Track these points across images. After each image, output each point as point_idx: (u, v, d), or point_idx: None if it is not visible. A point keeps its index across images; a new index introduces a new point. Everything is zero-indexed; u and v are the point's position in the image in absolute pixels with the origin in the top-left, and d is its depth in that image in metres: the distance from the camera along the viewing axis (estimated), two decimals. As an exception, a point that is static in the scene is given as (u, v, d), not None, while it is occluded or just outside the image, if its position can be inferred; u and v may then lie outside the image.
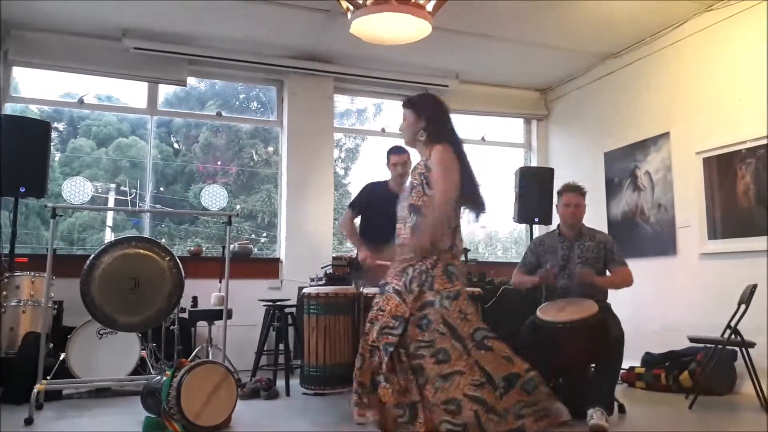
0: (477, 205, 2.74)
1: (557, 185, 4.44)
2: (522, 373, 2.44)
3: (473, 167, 2.71)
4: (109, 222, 6.49)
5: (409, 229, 2.63)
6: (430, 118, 2.71)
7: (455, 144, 2.66)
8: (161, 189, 6.59)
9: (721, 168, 4.98)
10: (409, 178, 2.77)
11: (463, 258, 5.13)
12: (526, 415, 2.40)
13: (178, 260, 4.01)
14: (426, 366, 2.45)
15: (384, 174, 4.33)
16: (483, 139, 7.15)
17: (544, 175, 6.01)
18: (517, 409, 2.39)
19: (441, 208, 2.56)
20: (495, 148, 7.33)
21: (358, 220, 4.30)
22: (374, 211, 4.17)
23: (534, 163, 7.24)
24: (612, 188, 6.16)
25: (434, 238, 2.55)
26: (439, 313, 2.48)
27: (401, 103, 2.87)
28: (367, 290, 3.65)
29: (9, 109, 5.53)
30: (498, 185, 6.86)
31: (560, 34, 5.64)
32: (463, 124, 6.93)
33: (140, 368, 4.44)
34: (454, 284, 2.53)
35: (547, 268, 3.83)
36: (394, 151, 4.27)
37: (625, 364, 4.06)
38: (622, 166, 6.06)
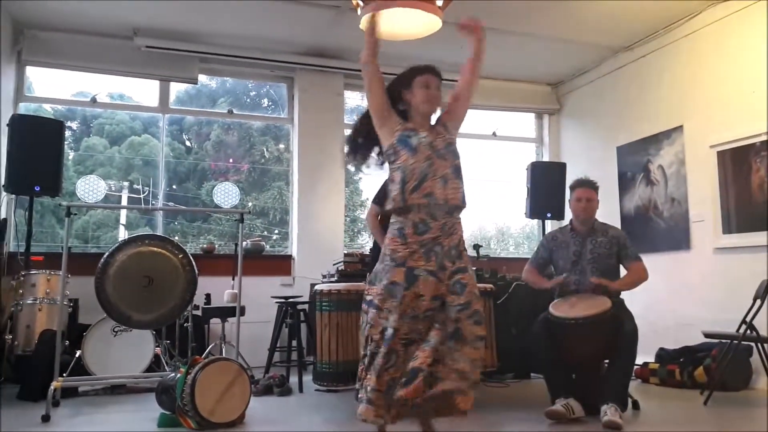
0: None
1: (569, 180, 4.42)
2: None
3: None
4: (123, 220, 6.53)
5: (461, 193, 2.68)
6: None
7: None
8: (174, 187, 6.63)
9: (736, 161, 4.93)
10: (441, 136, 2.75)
11: (475, 254, 5.15)
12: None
13: (191, 258, 4.03)
14: (464, 329, 2.49)
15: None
16: (494, 134, 7.11)
17: (556, 169, 5.98)
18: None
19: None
20: (506, 142, 7.29)
21: None
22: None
23: (546, 158, 7.20)
24: (625, 183, 6.12)
25: None
26: (472, 277, 2.60)
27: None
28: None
29: (23, 108, 5.58)
30: (510, 180, 6.84)
31: (572, 28, 5.60)
32: (474, 118, 6.91)
33: (155, 365, 4.48)
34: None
35: (565, 276, 3.80)
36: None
37: (639, 360, 4.04)
38: (634, 160, 6.02)
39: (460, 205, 2.65)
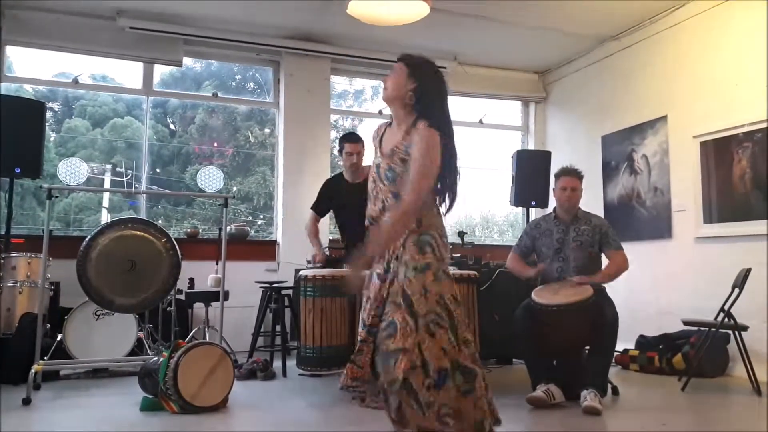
0: (453, 197, 2.39)
1: (554, 168, 4.44)
2: (450, 373, 2.17)
3: (456, 157, 2.40)
4: (106, 203, 6.47)
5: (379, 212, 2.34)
6: (424, 85, 2.32)
7: (445, 130, 2.31)
8: (157, 170, 6.56)
9: (718, 152, 4.98)
10: (381, 162, 2.37)
11: (459, 241, 5.17)
12: (448, 422, 2.14)
13: (174, 242, 4.00)
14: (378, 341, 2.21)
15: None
16: (480, 121, 7.12)
17: (541, 158, 6.00)
18: (443, 410, 2.13)
19: (423, 188, 2.24)
20: (492, 130, 7.30)
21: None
22: (340, 205, 4.26)
23: (531, 146, 7.22)
24: (609, 171, 6.16)
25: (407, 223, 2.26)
26: (401, 284, 2.20)
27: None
28: (365, 272, 3.65)
29: (3, 88, 5.47)
30: (495, 168, 6.86)
31: (559, 17, 5.60)
32: (460, 106, 6.91)
33: (137, 349, 4.46)
34: (424, 256, 2.23)
35: (546, 263, 3.84)
36: (350, 138, 4.27)
37: (619, 347, 4.10)
38: (619, 150, 6.06)
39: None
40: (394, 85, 2.35)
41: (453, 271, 4.08)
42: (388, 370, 2.14)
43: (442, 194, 2.36)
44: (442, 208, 2.40)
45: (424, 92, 2.32)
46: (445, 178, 2.33)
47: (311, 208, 4.52)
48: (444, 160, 2.29)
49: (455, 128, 2.43)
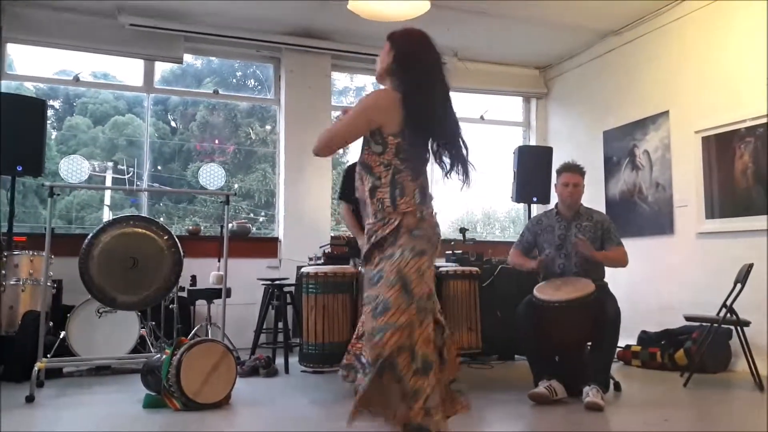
0: (451, 157, 2.29)
1: (556, 164, 4.44)
2: (433, 363, 2.10)
3: (451, 110, 2.28)
4: (107, 201, 6.47)
5: (367, 192, 2.25)
6: (402, 52, 2.25)
7: (412, 89, 2.18)
8: (159, 167, 6.56)
9: (720, 147, 4.97)
10: None
11: (461, 237, 5.17)
12: (426, 422, 2.01)
13: (176, 239, 4.01)
14: (366, 321, 2.15)
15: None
16: (482, 117, 7.11)
17: (543, 154, 5.99)
18: (429, 401, 2.03)
19: (320, 140, 2.24)
20: (494, 126, 7.29)
21: None
22: None
23: (533, 142, 7.21)
24: (610, 167, 6.16)
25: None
26: (396, 264, 2.12)
27: None
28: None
29: (4, 86, 5.46)
30: (496, 164, 6.84)
31: (560, 11, 5.58)
32: (461, 102, 6.89)
33: (140, 346, 4.47)
34: (420, 242, 2.15)
35: (547, 254, 3.84)
36: None
37: (621, 343, 4.09)
38: (620, 145, 6.05)
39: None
40: (380, 61, 2.33)
41: (455, 267, 4.11)
42: (375, 345, 2.05)
43: (413, 162, 2.20)
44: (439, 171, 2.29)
45: (401, 59, 2.25)
46: (407, 143, 2.17)
47: (339, 198, 4.21)
48: (409, 120, 2.15)
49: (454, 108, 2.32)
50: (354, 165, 4.43)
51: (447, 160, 2.30)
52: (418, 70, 2.23)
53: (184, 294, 5.00)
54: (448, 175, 2.30)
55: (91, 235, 3.84)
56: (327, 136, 2.26)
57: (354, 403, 2.13)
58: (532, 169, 5.83)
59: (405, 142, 2.18)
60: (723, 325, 4.14)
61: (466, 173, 2.31)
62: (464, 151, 2.30)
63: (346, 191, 4.08)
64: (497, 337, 4.52)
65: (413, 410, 2.01)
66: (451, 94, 2.36)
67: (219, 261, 5.02)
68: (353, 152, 7.43)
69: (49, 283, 4.20)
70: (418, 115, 2.18)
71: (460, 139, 2.31)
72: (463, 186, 2.32)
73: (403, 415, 2.04)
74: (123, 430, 3.05)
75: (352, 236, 4.64)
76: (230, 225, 4.94)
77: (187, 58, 6.22)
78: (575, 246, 3.74)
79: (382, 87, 2.35)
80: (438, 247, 2.25)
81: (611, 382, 3.70)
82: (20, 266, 4.45)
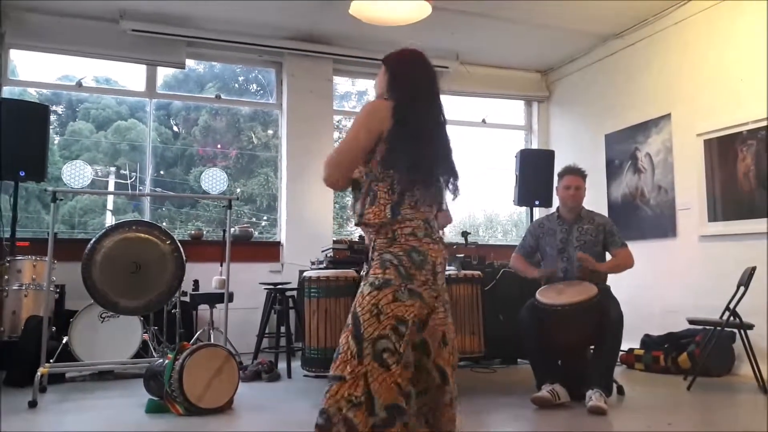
0: (427, 177, 2.06)
1: (557, 168, 4.43)
2: (405, 410, 1.88)
3: (438, 140, 2.11)
4: (110, 205, 6.48)
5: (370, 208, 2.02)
6: (392, 75, 2.14)
7: (407, 104, 2.05)
8: (161, 172, 6.58)
9: (722, 150, 4.97)
10: None
11: (463, 241, 5.16)
12: None
13: (178, 244, 4.01)
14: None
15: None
16: (483, 121, 7.11)
17: (545, 157, 6.00)
18: None
19: (325, 168, 2.03)
20: (496, 130, 7.29)
21: None
22: None
23: (535, 146, 7.21)
24: (612, 170, 6.15)
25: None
26: (356, 299, 1.97)
27: None
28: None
29: (7, 92, 5.50)
30: (498, 168, 6.85)
31: (562, 15, 5.59)
32: (463, 105, 6.90)
33: (142, 351, 4.47)
34: (385, 272, 1.93)
35: (552, 270, 3.83)
36: None
37: (624, 346, 4.09)
38: (622, 148, 6.04)
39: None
40: (377, 84, 2.24)
41: (457, 271, 4.10)
42: (325, 395, 1.93)
43: (403, 169, 1.98)
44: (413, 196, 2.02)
45: (394, 79, 2.14)
46: (400, 148, 1.98)
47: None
48: (398, 127, 1.99)
49: (458, 128, 2.27)
50: None
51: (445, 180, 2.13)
52: (410, 87, 2.12)
53: (187, 299, 5.01)
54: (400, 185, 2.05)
55: (93, 239, 3.84)
56: (334, 159, 2.04)
57: None
58: (534, 173, 5.84)
59: (391, 148, 2.00)
60: (726, 329, 4.13)
61: (455, 189, 2.13)
62: (454, 170, 2.14)
63: None
64: (500, 341, 4.51)
65: None
66: (453, 97, 2.34)
67: (221, 265, 5.02)
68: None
69: (51, 288, 4.21)
70: (406, 122, 2.02)
71: (450, 159, 2.15)
72: (455, 197, 2.14)
73: None
74: (125, 435, 3.05)
75: (354, 240, 4.65)
76: (232, 229, 4.96)
77: (190, 63, 6.24)
78: (581, 265, 3.72)
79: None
80: (427, 266, 1.96)
81: (614, 385, 3.69)
82: (23, 271, 4.46)
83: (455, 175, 2.12)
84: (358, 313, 1.92)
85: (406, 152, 1.98)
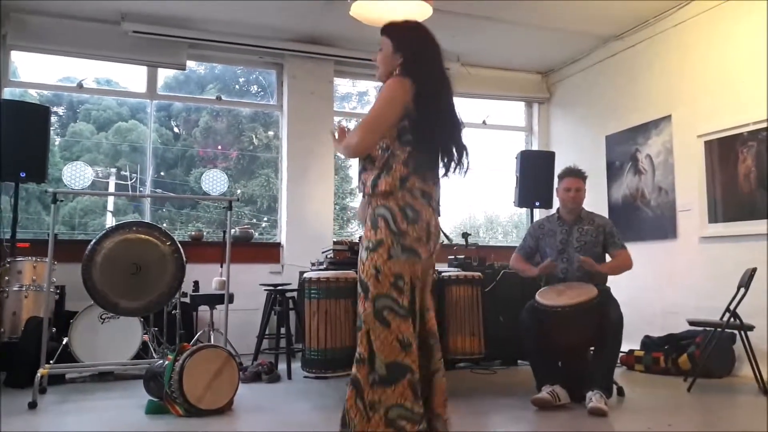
0: (450, 156, 2.18)
1: (558, 169, 4.43)
2: (413, 369, 1.93)
3: (454, 120, 2.21)
4: (110, 207, 6.49)
5: (358, 174, 2.18)
6: (411, 55, 2.17)
7: (423, 84, 2.11)
8: (162, 173, 6.58)
9: (723, 151, 4.96)
10: None
11: (463, 242, 5.16)
12: (399, 426, 1.88)
13: (179, 245, 4.01)
14: None
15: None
16: (484, 122, 7.12)
17: (545, 158, 5.99)
18: (392, 412, 1.89)
19: (362, 132, 2.07)
20: (496, 131, 7.30)
21: None
22: None
23: (535, 147, 7.21)
24: (613, 172, 6.15)
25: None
26: (358, 268, 2.03)
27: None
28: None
29: (8, 93, 5.51)
30: (499, 169, 6.85)
31: (562, 16, 5.59)
32: (464, 107, 6.90)
33: (142, 352, 4.47)
34: (376, 232, 2.00)
35: (551, 260, 3.84)
36: None
37: (625, 347, 4.08)
38: (623, 150, 6.04)
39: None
40: (382, 61, 2.25)
41: (457, 272, 4.10)
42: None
43: (420, 146, 2.08)
44: (441, 170, 2.17)
45: (411, 61, 2.17)
46: (421, 127, 2.07)
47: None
48: (416, 107, 2.07)
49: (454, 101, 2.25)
50: None
51: (449, 155, 2.19)
52: (431, 63, 2.18)
53: (187, 300, 5.01)
54: (450, 170, 2.19)
55: (94, 241, 3.84)
56: (369, 124, 2.05)
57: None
58: (535, 174, 5.83)
59: (410, 125, 2.07)
60: (727, 330, 4.12)
61: (451, 160, 2.19)
62: (465, 147, 2.22)
63: None
64: (500, 342, 4.51)
65: (371, 422, 1.89)
66: (454, 99, 2.33)
67: (221, 266, 5.02)
68: (356, 160, 7.46)
69: (51, 289, 4.22)
70: (427, 103, 2.10)
71: (460, 135, 2.24)
72: (465, 174, 2.20)
73: (362, 427, 1.90)
74: (125, 436, 3.05)
75: (355, 241, 4.65)
76: (233, 230, 4.96)
77: (190, 64, 6.25)
78: (581, 266, 3.73)
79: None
80: (420, 222, 2.04)
81: (614, 387, 3.68)
82: (23, 272, 4.46)
83: (465, 150, 2.19)
84: (363, 279, 1.98)
85: (424, 131, 2.06)
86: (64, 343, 4.22)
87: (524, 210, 6.35)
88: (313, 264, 4.86)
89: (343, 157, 6.74)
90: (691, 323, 4.35)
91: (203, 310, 5.05)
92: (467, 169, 2.20)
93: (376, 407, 1.89)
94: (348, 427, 1.93)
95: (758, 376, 3.96)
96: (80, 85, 5.85)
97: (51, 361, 3.91)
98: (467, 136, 2.31)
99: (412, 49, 2.19)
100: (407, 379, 1.91)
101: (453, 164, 2.18)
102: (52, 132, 5.09)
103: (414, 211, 2.02)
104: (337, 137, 2.29)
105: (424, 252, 2.02)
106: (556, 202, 4.17)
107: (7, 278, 4.41)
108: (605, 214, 5.41)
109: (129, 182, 6.42)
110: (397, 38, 2.22)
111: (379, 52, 2.27)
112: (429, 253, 2.06)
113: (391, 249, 1.97)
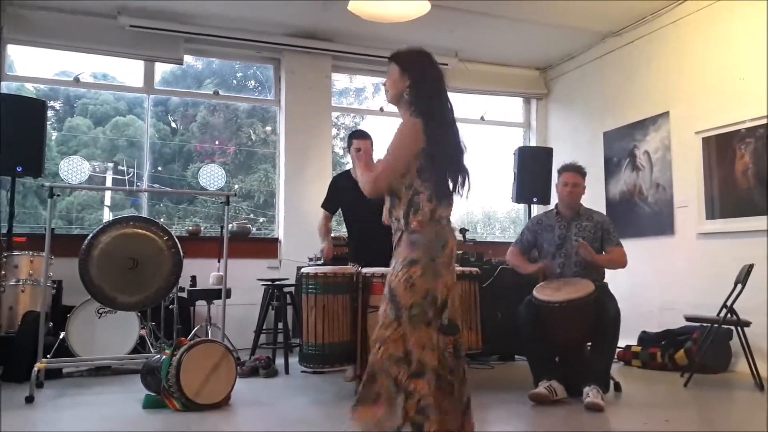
0: (455, 181, 2.39)
1: (556, 165, 4.44)
2: (432, 365, 2.19)
3: (459, 148, 2.39)
4: (107, 201, 6.47)
5: (386, 212, 2.39)
6: (418, 79, 2.35)
7: (431, 116, 2.30)
8: (159, 168, 6.57)
9: (720, 148, 4.97)
10: None
11: (461, 237, 5.17)
12: (419, 420, 2.12)
13: (176, 240, 4.01)
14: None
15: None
16: (482, 118, 7.12)
17: (543, 154, 5.99)
18: (423, 401, 2.13)
19: (380, 176, 2.30)
20: (494, 127, 7.30)
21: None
22: (347, 202, 4.24)
23: (533, 143, 7.22)
24: (611, 168, 6.15)
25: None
26: (389, 277, 2.27)
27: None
28: (366, 270, 3.66)
29: (4, 87, 5.47)
30: (497, 165, 6.84)
31: (561, 12, 5.59)
32: (462, 102, 6.89)
33: (140, 347, 4.47)
34: (413, 252, 2.24)
35: (544, 262, 3.84)
36: (357, 135, 4.24)
37: (622, 343, 4.09)
38: (621, 146, 6.05)
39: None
40: (391, 85, 2.41)
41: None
42: (371, 354, 2.22)
43: (435, 182, 2.29)
44: (451, 198, 2.36)
45: (418, 86, 2.34)
46: (432, 165, 2.28)
47: (322, 206, 4.48)
48: (430, 146, 2.26)
49: (457, 125, 2.40)
50: (338, 176, 4.50)
51: (455, 181, 2.39)
52: (434, 96, 2.35)
53: (184, 294, 5.00)
54: (455, 193, 2.40)
55: (91, 235, 3.84)
56: (384, 174, 2.30)
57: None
58: (532, 170, 5.83)
59: (425, 163, 2.28)
60: (723, 326, 4.13)
61: (468, 188, 2.41)
62: (467, 171, 2.41)
63: (330, 204, 4.44)
64: (497, 338, 4.52)
65: (406, 407, 2.13)
66: (452, 94, 2.42)
67: (219, 261, 5.02)
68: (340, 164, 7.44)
69: (48, 284, 4.20)
70: (438, 140, 2.29)
71: (463, 160, 2.41)
72: (464, 196, 2.41)
73: (403, 413, 2.13)
74: (123, 431, 3.05)
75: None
76: (230, 225, 4.95)
77: (188, 59, 6.23)
78: (576, 249, 3.74)
79: (391, 106, 2.48)
80: (447, 249, 2.28)
81: (611, 382, 3.69)
82: (20, 267, 4.46)
83: (467, 175, 2.40)
84: (393, 287, 2.23)
85: (440, 166, 2.31)
86: (61, 337, 4.21)
87: (522, 206, 6.36)
88: (310, 259, 4.87)
89: (342, 155, 6.74)
90: (688, 319, 4.36)
91: (200, 304, 5.04)
92: (469, 190, 2.41)
93: (412, 395, 2.13)
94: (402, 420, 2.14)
95: (755, 372, 3.98)
96: (77, 80, 5.83)
97: (48, 356, 3.90)
98: (465, 132, 2.42)
99: (418, 71, 2.37)
100: (430, 377, 2.17)
101: (458, 188, 2.40)
102: (48, 126, 5.08)
103: (443, 240, 2.29)
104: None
105: (448, 274, 2.30)
106: (554, 198, 4.18)
107: (3, 273, 4.40)
108: (603, 210, 5.41)
109: (126, 177, 6.41)
110: (403, 63, 2.40)
111: (388, 77, 2.45)
112: (452, 274, 2.32)
113: (425, 267, 2.23)
